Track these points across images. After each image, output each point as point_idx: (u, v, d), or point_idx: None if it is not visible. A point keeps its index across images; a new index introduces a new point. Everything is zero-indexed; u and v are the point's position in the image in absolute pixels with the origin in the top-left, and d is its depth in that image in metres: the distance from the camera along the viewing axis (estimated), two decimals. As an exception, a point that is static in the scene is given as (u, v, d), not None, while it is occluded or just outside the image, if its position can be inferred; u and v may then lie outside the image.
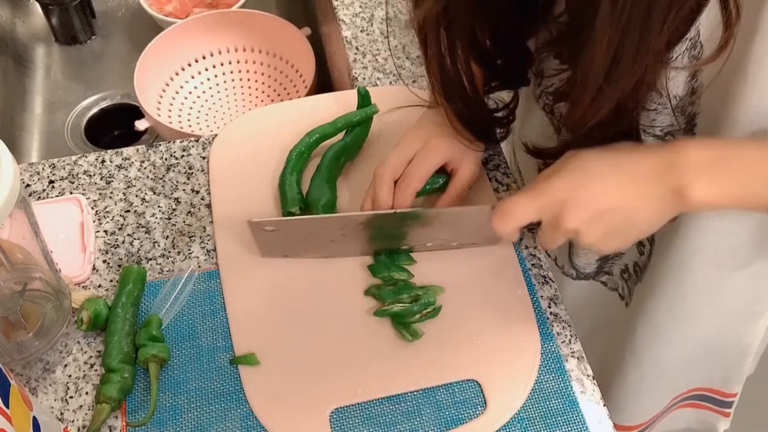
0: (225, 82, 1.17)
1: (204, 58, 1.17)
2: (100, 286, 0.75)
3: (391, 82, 0.93)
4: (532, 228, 0.78)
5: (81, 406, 0.67)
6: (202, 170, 0.83)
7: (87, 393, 0.68)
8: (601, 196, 0.59)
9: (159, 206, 0.80)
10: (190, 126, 1.13)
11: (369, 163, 0.80)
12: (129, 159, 0.84)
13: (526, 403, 0.67)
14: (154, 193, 0.81)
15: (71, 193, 0.81)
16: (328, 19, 1.09)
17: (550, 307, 0.74)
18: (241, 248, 0.76)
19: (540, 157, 0.70)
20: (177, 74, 1.15)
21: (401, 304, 0.71)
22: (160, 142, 0.86)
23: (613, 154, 0.60)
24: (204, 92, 1.16)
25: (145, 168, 0.83)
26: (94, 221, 0.79)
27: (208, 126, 1.13)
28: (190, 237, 0.78)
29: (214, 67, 1.17)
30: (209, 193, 0.81)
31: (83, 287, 0.75)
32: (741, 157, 0.57)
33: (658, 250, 0.77)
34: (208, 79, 1.17)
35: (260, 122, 0.86)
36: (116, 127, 1.20)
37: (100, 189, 0.82)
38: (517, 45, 0.70)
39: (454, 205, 0.75)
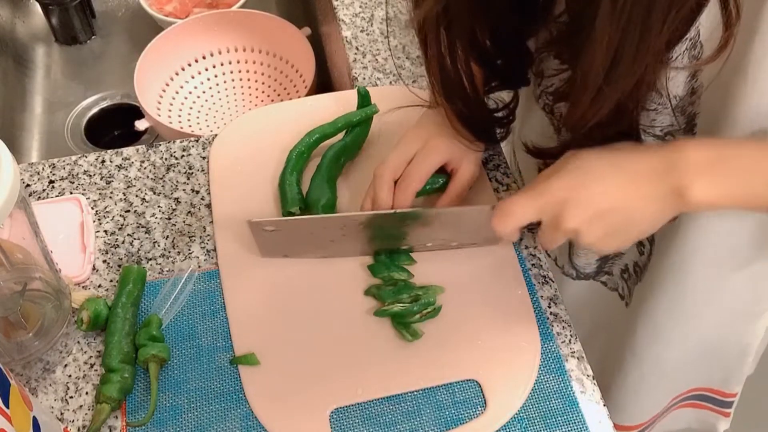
0: (225, 82, 1.17)
1: (204, 58, 1.17)
2: (100, 286, 0.75)
3: (391, 82, 0.93)
4: (532, 228, 0.78)
5: (81, 406, 0.67)
6: (202, 170, 0.83)
7: (87, 393, 0.68)
8: (601, 196, 0.59)
9: (159, 206, 0.80)
10: (190, 126, 1.13)
11: (369, 163, 0.80)
12: (129, 159, 0.84)
13: (526, 403, 0.67)
14: (154, 193, 0.81)
15: (71, 193, 0.81)
16: (328, 19, 1.09)
17: (550, 307, 0.74)
18: (241, 248, 0.76)
19: (540, 157, 0.70)
20: (177, 74, 1.15)
21: (401, 304, 0.71)
22: (160, 142, 0.86)
23: (613, 154, 0.60)
24: (204, 92, 1.16)
25: (145, 168, 0.83)
26: (94, 221, 0.79)
27: (208, 126, 1.13)
28: (190, 237, 0.78)
29: (214, 67, 1.17)
30: (209, 193, 0.81)
31: (83, 287, 0.75)
32: (741, 157, 0.58)
33: (658, 250, 0.77)
34: (208, 79, 1.17)
35: (260, 122, 0.86)
36: (116, 127, 1.20)
37: (100, 189, 0.82)
38: (517, 45, 0.70)
39: (454, 205, 0.75)
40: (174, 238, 0.78)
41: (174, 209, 0.80)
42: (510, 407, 0.67)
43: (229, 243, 0.76)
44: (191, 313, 0.73)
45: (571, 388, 0.69)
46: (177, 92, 1.14)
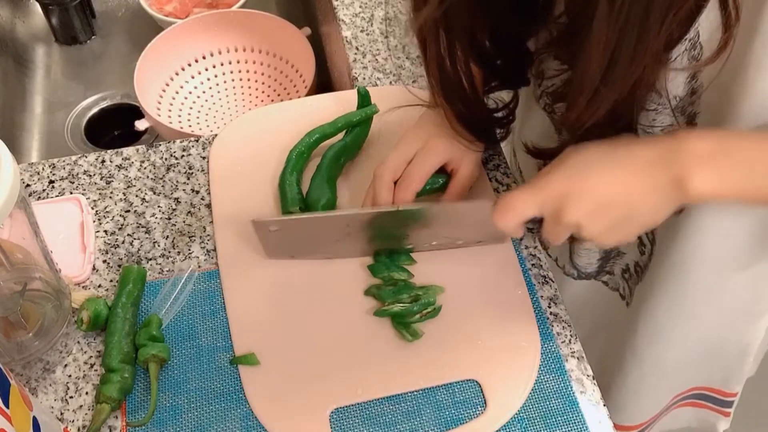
0: (225, 82, 1.17)
1: (204, 58, 1.17)
2: (100, 286, 0.75)
3: (391, 82, 0.93)
4: (533, 228, 0.78)
5: (81, 406, 0.67)
6: (202, 170, 0.83)
7: (87, 393, 0.68)
8: (602, 188, 0.59)
9: (159, 206, 0.80)
10: (190, 126, 1.13)
11: (369, 163, 0.80)
12: (129, 159, 0.84)
13: (526, 403, 0.67)
14: (154, 193, 0.81)
15: (71, 193, 0.81)
16: (328, 19, 1.09)
17: (550, 307, 0.74)
18: (241, 248, 0.76)
19: (540, 157, 0.70)
20: (177, 74, 1.15)
21: (401, 304, 0.71)
22: (160, 142, 0.86)
23: (614, 147, 0.60)
24: (204, 92, 1.16)
25: (145, 168, 0.83)
26: (94, 221, 0.79)
27: (208, 126, 1.13)
28: (190, 237, 0.78)
29: (214, 67, 1.17)
30: (209, 193, 0.81)
31: (83, 287, 0.75)
32: (742, 148, 0.57)
33: (659, 250, 0.77)
34: (208, 79, 1.17)
35: (260, 122, 0.86)
36: (116, 127, 1.20)
37: (100, 189, 0.82)
38: (516, 45, 0.70)
39: (454, 205, 0.75)
40: (174, 238, 0.78)
41: (174, 209, 0.80)
42: (510, 407, 0.67)
43: (229, 243, 0.76)
44: (191, 313, 0.73)
45: (571, 388, 0.69)
46: (177, 92, 1.14)
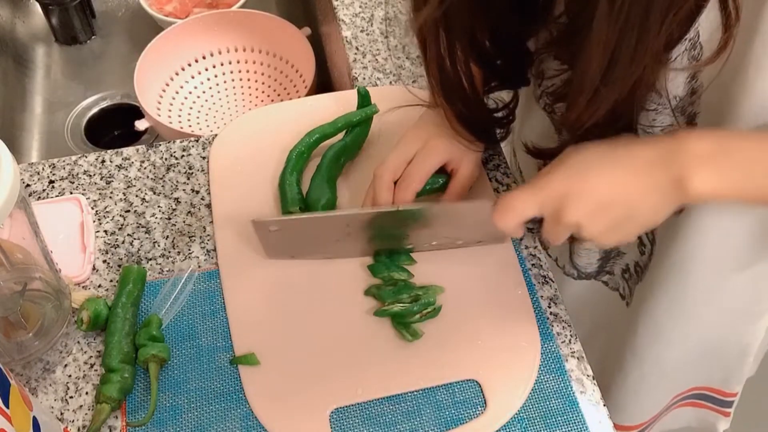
0: (225, 82, 1.17)
1: (204, 58, 1.17)
2: (100, 286, 0.75)
3: (391, 82, 0.93)
4: (533, 228, 0.78)
5: (81, 406, 0.67)
6: (202, 170, 0.83)
7: (87, 393, 0.68)
8: (602, 188, 0.59)
9: (159, 206, 0.80)
10: (190, 126, 1.13)
11: (369, 163, 0.80)
12: (129, 159, 0.84)
13: (526, 403, 0.67)
14: (154, 193, 0.81)
15: (71, 193, 0.81)
16: (328, 19, 1.09)
17: (550, 307, 0.74)
18: (241, 248, 0.76)
19: (540, 157, 0.70)
20: (177, 74, 1.15)
21: (401, 304, 0.71)
22: (160, 142, 0.86)
23: (614, 146, 0.60)
24: (204, 92, 1.16)
25: (145, 168, 0.83)
26: (94, 221, 0.79)
27: (208, 126, 1.13)
28: (190, 237, 0.78)
29: (214, 67, 1.17)
30: (209, 193, 0.81)
31: (83, 287, 0.75)
32: (743, 148, 0.57)
33: (659, 250, 0.77)
34: (208, 79, 1.17)
35: (260, 122, 0.86)
36: (116, 127, 1.20)
37: (100, 189, 0.82)
38: (516, 45, 0.70)
39: (454, 205, 0.75)
40: (174, 238, 0.78)
41: (174, 209, 0.80)
42: (510, 407, 0.67)
43: (229, 243, 0.76)
44: (191, 313, 0.73)
45: (571, 388, 0.69)
46: (177, 92, 1.14)
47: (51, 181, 0.82)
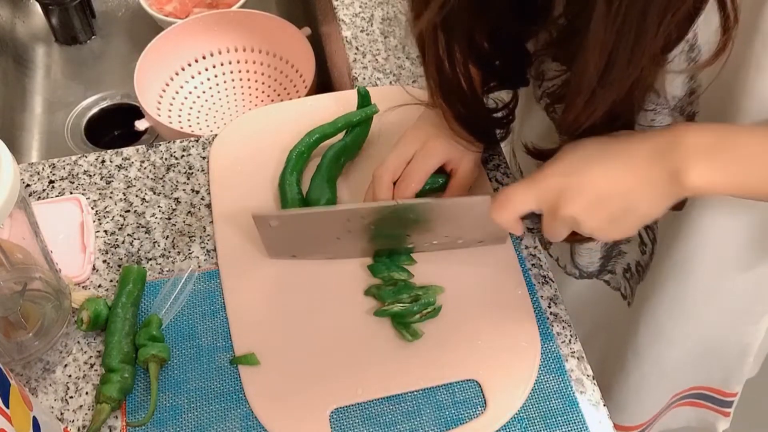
0: (225, 82, 1.17)
1: (204, 58, 1.17)
2: (100, 286, 0.75)
3: (391, 82, 0.93)
4: (533, 228, 0.78)
5: (81, 406, 0.67)
6: (202, 170, 0.83)
7: (87, 393, 0.68)
8: (599, 182, 0.58)
9: (159, 206, 0.80)
10: (190, 126, 1.13)
11: (369, 163, 0.80)
12: (129, 159, 0.84)
13: (526, 403, 0.67)
14: (154, 193, 0.81)
15: (71, 193, 0.81)
16: (328, 19, 1.09)
17: (550, 307, 0.74)
18: (241, 248, 0.76)
19: (540, 158, 0.70)
20: (177, 74, 1.15)
21: (401, 304, 0.71)
22: (160, 142, 0.86)
23: (611, 140, 0.60)
24: (204, 92, 1.16)
25: (145, 168, 0.83)
26: (94, 221, 0.79)
27: (208, 126, 1.13)
28: (190, 237, 0.78)
29: (214, 67, 1.17)
30: (209, 193, 0.81)
31: (83, 287, 0.75)
32: (741, 143, 0.57)
33: (660, 249, 0.77)
34: (208, 79, 1.17)
35: (260, 122, 0.86)
36: (116, 127, 1.20)
37: (100, 189, 0.82)
38: (515, 46, 0.70)
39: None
40: (174, 238, 0.78)
41: (174, 209, 0.80)
42: (510, 407, 0.67)
43: (229, 243, 0.76)
44: (191, 313, 0.73)
45: (571, 388, 0.69)
46: (177, 92, 1.14)
47: (51, 181, 0.82)
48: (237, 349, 0.70)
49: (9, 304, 0.65)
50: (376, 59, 0.96)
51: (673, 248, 0.75)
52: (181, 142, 0.86)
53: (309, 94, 1.06)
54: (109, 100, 1.22)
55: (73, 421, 0.66)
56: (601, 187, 0.58)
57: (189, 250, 0.77)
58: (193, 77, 1.16)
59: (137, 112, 1.08)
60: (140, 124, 1.06)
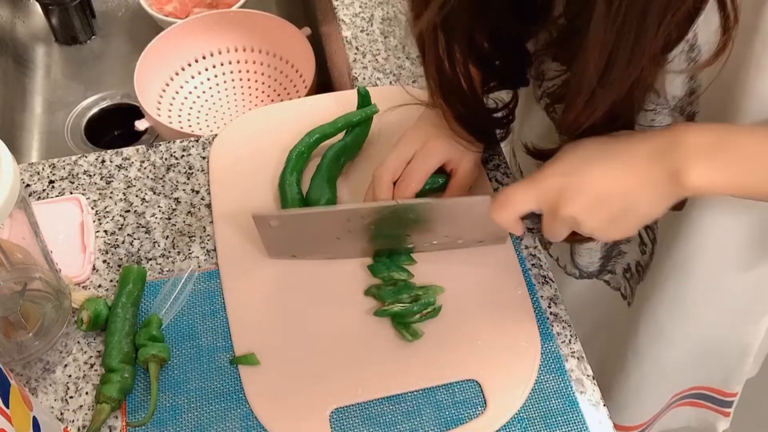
0: (225, 82, 1.17)
1: (204, 58, 1.17)
2: (100, 286, 0.75)
3: (391, 82, 0.93)
4: (533, 228, 0.78)
5: (81, 406, 0.67)
6: (202, 170, 0.83)
7: (87, 393, 0.68)
8: (599, 182, 0.58)
9: (159, 206, 0.80)
10: (190, 126, 1.13)
11: (369, 163, 0.80)
12: (129, 159, 0.84)
13: (526, 403, 0.67)
14: (154, 193, 0.81)
15: (71, 193, 0.81)
16: (328, 19, 1.09)
17: (550, 307, 0.74)
18: (241, 248, 0.76)
19: (540, 158, 0.70)
20: (177, 74, 1.15)
21: (401, 304, 0.71)
22: (160, 142, 0.86)
23: (611, 140, 0.60)
24: (204, 92, 1.16)
25: (145, 168, 0.83)
26: (94, 221, 0.79)
27: (208, 126, 1.13)
28: (190, 237, 0.78)
29: (214, 67, 1.17)
30: (209, 193, 0.81)
31: (83, 287, 0.75)
32: (741, 143, 0.57)
33: (660, 249, 0.77)
34: (208, 79, 1.17)
35: (260, 122, 0.86)
36: (116, 127, 1.20)
37: (100, 189, 0.82)
38: (515, 46, 0.70)
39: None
40: (174, 238, 0.78)
41: (174, 209, 0.80)
42: (510, 407, 0.67)
43: (229, 243, 0.76)
44: (191, 313, 0.73)
45: (571, 388, 0.69)
46: (177, 92, 1.14)
47: (51, 181, 0.82)
48: (237, 349, 0.70)
49: (9, 304, 0.65)
50: (376, 59, 0.96)
51: (673, 248, 0.75)
52: (181, 142, 0.86)
53: (309, 94, 1.06)
54: (109, 100, 1.22)
55: (73, 421, 0.66)
56: (601, 187, 0.58)
57: (189, 250, 0.77)
58: (193, 77, 1.16)
59: (137, 112, 1.08)
60: (140, 124, 1.06)
